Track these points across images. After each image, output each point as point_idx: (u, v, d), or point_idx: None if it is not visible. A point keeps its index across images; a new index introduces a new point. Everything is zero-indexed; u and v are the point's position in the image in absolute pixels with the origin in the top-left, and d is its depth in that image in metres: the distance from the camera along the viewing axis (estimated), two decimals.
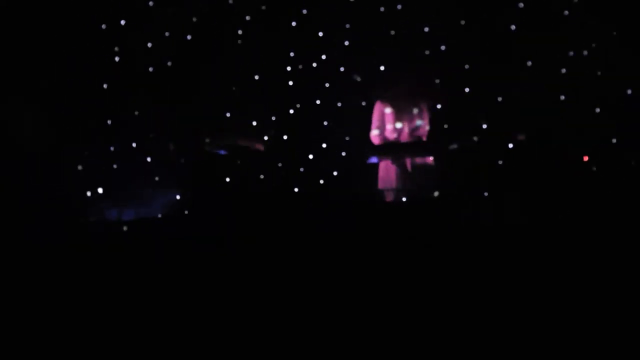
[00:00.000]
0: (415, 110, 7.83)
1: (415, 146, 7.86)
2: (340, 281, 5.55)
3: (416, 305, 5.17)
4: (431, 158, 7.81)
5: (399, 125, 7.77)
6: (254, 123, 7.84)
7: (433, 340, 4.75)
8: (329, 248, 6.23)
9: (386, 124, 7.79)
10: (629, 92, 7.60)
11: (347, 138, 7.74)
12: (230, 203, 7.33)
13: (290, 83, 7.78)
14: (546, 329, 4.76)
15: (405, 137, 7.83)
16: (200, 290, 5.30)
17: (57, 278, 5.06)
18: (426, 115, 7.84)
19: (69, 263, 5.24)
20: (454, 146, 7.87)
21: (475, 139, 7.79)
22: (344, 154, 7.71)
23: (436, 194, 7.62)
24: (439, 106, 7.77)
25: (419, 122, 7.82)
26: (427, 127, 7.84)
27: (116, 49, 7.78)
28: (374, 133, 7.80)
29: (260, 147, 7.88)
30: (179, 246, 5.81)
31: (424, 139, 7.86)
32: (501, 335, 4.72)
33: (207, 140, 7.87)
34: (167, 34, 7.82)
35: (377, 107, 7.81)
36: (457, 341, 4.71)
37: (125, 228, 6.64)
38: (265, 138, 7.85)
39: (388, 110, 7.78)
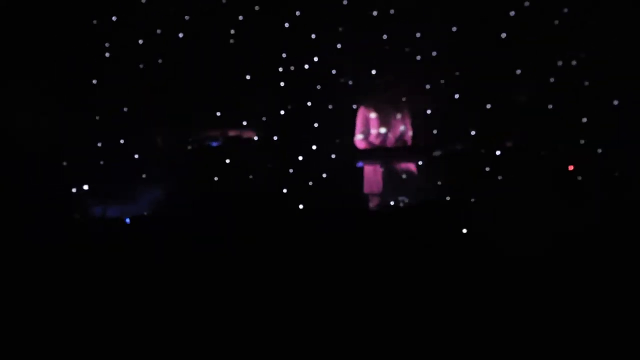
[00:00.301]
0: (403, 116, 7.88)
1: (401, 151, 7.91)
2: (331, 282, 5.56)
3: (404, 309, 5.20)
4: (419, 163, 7.87)
5: (385, 130, 7.82)
6: (245, 123, 7.85)
7: (421, 345, 4.79)
8: (319, 250, 6.25)
9: (372, 128, 7.83)
10: (616, 103, 7.71)
11: (337, 141, 7.77)
12: (221, 201, 7.34)
13: (282, 84, 7.79)
14: (534, 331, 4.81)
15: (392, 142, 7.88)
16: (197, 289, 5.28)
17: (55, 278, 5.02)
18: (414, 120, 7.90)
19: (68, 263, 5.20)
20: (438, 153, 7.94)
21: (459, 147, 7.87)
22: (334, 156, 7.74)
23: (424, 198, 7.68)
24: (429, 112, 7.83)
25: (404, 128, 7.87)
26: (414, 133, 7.90)
27: (107, 45, 7.74)
28: (360, 138, 7.84)
29: (253, 136, 7.88)
30: (179, 246, 5.79)
31: (410, 144, 7.91)
32: (492, 339, 4.77)
33: (199, 133, 7.89)
34: (159, 31, 7.79)
35: (363, 111, 7.84)
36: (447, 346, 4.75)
37: (124, 227, 6.62)
38: (256, 138, 7.87)
39: (375, 115, 7.82)
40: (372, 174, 7.84)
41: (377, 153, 7.84)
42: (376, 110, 7.81)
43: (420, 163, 7.88)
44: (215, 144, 7.79)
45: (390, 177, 7.86)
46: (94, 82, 7.66)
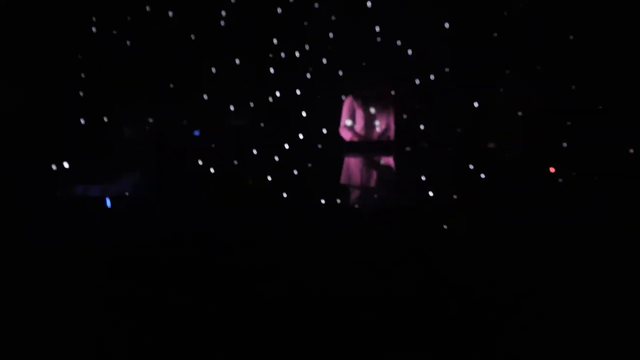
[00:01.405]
0: (389, 109, 7.85)
1: (384, 145, 7.89)
2: (317, 274, 5.57)
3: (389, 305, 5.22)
4: (399, 158, 7.87)
5: (370, 122, 7.79)
6: (232, 108, 7.75)
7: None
8: (302, 239, 6.26)
9: (358, 120, 7.78)
10: (601, 107, 7.79)
11: (324, 131, 7.72)
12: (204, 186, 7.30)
13: (271, 70, 7.69)
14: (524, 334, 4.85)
15: (376, 136, 7.83)
16: (190, 288, 5.24)
17: (54, 277, 4.93)
18: (400, 115, 7.88)
19: (66, 262, 5.10)
20: (409, 148, 7.95)
21: (425, 144, 7.89)
22: (319, 146, 7.70)
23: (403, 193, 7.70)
24: (417, 106, 7.82)
25: (389, 121, 7.85)
26: (399, 127, 7.88)
27: (93, 19, 7.57)
28: (344, 129, 7.79)
29: (239, 121, 7.81)
30: (176, 244, 5.74)
31: (394, 138, 7.89)
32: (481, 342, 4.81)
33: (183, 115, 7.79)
34: (148, 8, 7.62)
35: (350, 103, 7.78)
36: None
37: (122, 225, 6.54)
38: (242, 124, 7.79)
39: (361, 107, 7.77)
40: (354, 167, 7.80)
41: (361, 146, 7.79)
42: (363, 103, 7.75)
43: (400, 158, 7.88)
44: (197, 132, 7.71)
45: (373, 171, 7.84)
46: (79, 57, 7.48)
